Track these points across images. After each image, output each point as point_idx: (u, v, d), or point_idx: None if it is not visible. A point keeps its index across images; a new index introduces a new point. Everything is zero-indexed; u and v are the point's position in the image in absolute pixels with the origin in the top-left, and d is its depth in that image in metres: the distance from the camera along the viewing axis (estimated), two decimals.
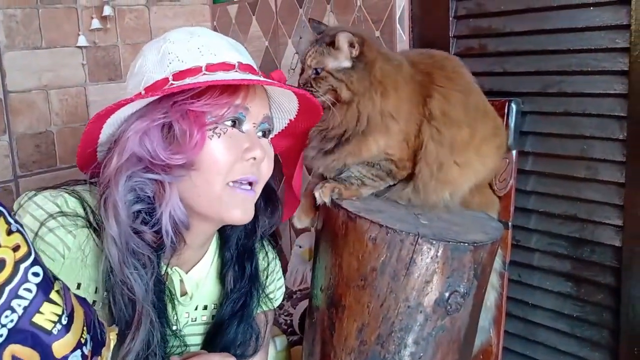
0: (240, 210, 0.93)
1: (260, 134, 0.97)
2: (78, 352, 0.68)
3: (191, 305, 1.03)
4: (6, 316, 0.61)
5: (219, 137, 0.90)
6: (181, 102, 0.88)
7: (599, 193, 1.19)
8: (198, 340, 1.05)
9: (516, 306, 1.34)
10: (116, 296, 0.87)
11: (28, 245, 0.63)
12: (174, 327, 0.99)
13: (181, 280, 0.99)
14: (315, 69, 1.05)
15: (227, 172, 0.90)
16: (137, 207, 0.88)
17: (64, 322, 0.66)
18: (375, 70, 1.04)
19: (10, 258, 0.61)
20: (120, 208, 0.86)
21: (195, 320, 1.05)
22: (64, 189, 0.92)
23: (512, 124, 1.23)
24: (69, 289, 0.70)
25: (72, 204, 0.89)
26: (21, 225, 0.64)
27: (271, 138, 1.07)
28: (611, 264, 1.18)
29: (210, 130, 0.89)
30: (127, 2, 1.91)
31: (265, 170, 0.97)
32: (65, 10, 1.79)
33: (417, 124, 1.07)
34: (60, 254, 0.86)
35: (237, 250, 1.06)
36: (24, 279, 0.62)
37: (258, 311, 1.12)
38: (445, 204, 1.10)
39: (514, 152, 1.24)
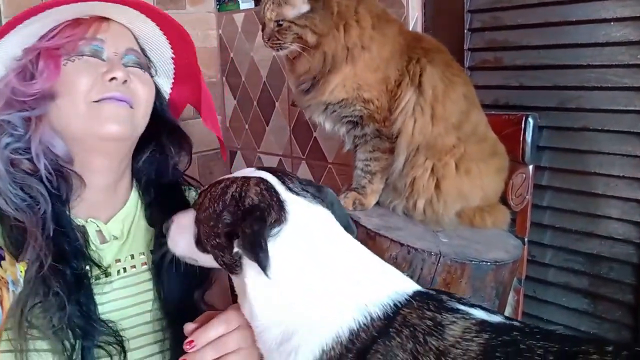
0: (114, 124, 0.93)
1: (131, 65, 0.98)
2: None
3: (121, 253, 1.02)
4: None
5: (73, 62, 0.93)
6: (34, 45, 0.93)
7: (618, 210, 1.18)
8: (148, 287, 1.03)
9: (531, 322, 1.32)
10: (6, 226, 0.90)
11: None
12: (103, 268, 0.98)
13: (99, 230, 1.00)
14: (277, 21, 1.03)
15: (87, 91, 0.92)
16: (13, 146, 0.92)
17: None
18: (332, 5, 1.02)
19: None
20: None
21: (135, 267, 1.03)
22: None
23: (528, 139, 1.22)
24: None
25: None
26: None
27: (172, 89, 1.12)
28: (630, 281, 1.17)
29: (65, 59, 0.93)
30: None
31: (141, 91, 0.98)
32: None
33: (397, 69, 1.04)
34: None
35: (156, 191, 1.07)
36: None
37: None
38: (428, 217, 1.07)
39: (530, 167, 1.23)
